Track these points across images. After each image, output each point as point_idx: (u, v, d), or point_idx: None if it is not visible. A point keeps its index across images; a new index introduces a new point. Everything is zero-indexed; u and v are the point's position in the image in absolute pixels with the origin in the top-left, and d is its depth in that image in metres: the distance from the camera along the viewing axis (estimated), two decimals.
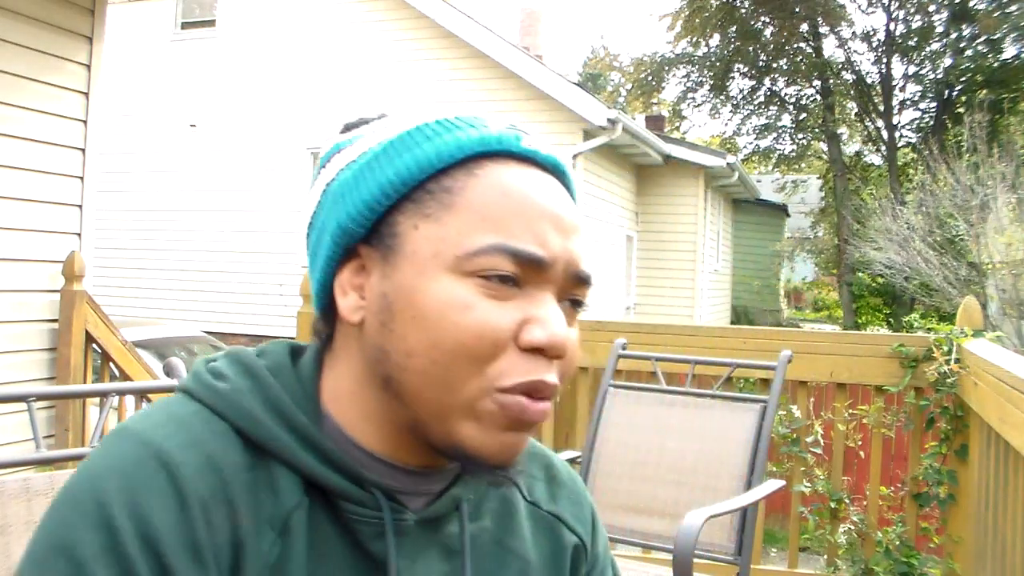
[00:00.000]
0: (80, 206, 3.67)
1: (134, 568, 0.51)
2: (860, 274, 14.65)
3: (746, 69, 19.10)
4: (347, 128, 0.70)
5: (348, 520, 0.60)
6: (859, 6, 18.26)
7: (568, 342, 0.59)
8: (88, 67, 3.68)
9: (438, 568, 0.64)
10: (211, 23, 10.66)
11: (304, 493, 0.59)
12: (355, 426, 0.62)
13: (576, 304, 0.62)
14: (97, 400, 3.64)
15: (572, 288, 0.61)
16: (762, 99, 19.54)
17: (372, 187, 0.60)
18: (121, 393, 2.43)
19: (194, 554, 0.53)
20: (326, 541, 0.60)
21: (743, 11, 18.03)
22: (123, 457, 0.55)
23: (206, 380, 0.62)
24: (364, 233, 0.60)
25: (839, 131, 18.36)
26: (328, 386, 0.64)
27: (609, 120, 8.86)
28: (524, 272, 0.58)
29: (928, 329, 3.26)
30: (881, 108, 17.56)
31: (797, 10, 17.26)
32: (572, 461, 2.58)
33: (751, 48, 18.55)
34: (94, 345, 3.59)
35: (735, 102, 19.71)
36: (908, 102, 17.99)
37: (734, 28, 18.22)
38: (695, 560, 1.83)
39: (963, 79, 16.58)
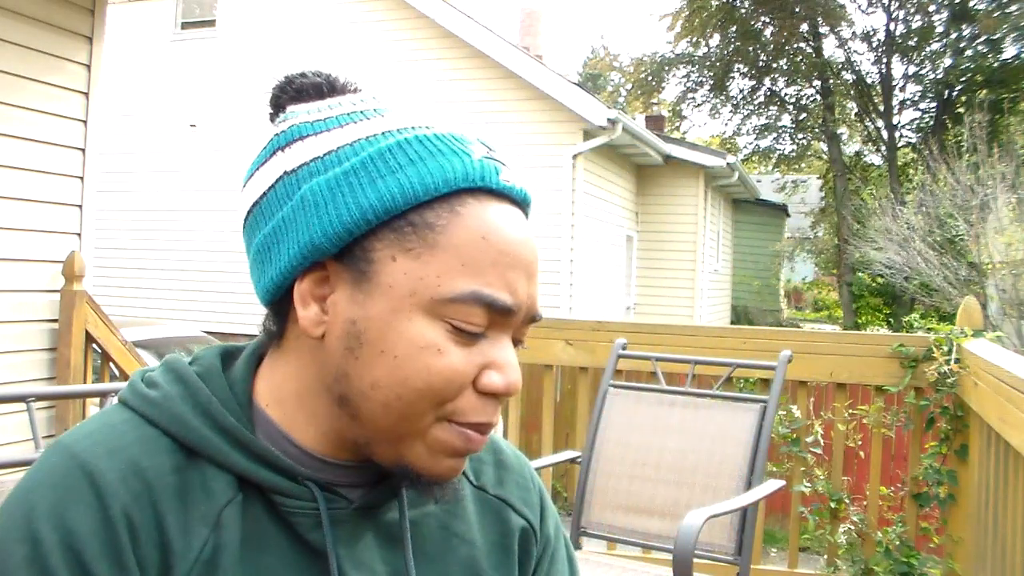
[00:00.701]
0: (80, 206, 3.67)
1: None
2: (860, 274, 14.65)
3: (746, 69, 19.10)
4: (297, 92, 0.68)
5: (284, 514, 0.61)
6: (859, 6, 18.27)
7: (519, 380, 0.61)
8: (88, 67, 3.68)
9: (381, 555, 0.65)
10: (211, 23, 10.65)
11: (237, 490, 0.60)
12: (296, 427, 0.63)
13: (519, 342, 0.64)
14: (97, 400, 3.64)
15: (524, 328, 0.63)
16: (762, 99, 19.54)
17: (352, 208, 0.58)
18: None
19: (117, 560, 0.55)
20: (264, 535, 0.61)
21: (743, 11, 18.03)
22: (51, 469, 0.57)
23: (139, 389, 0.64)
24: (335, 251, 0.60)
25: (839, 131, 18.37)
26: (269, 384, 0.65)
27: (609, 120, 8.86)
28: (491, 319, 0.59)
29: (928, 329, 3.26)
30: (881, 108, 17.57)
31: (797, 10, 17.26)
32: (572, 461, 2.59)
33: (751, 48, 18.55)
34: (94, 345, 3.59)
35: (735, 102, 19.72)
36: (908, 102, 18.00)
37: (734, 28, 18.22)
38: (695, 560, 1.83)
39: (963, 79, 16.58)
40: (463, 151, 0.61)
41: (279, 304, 0.64)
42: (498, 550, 0.72)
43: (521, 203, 0.64)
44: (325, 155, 0.61)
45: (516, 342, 0.63)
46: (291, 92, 0.69)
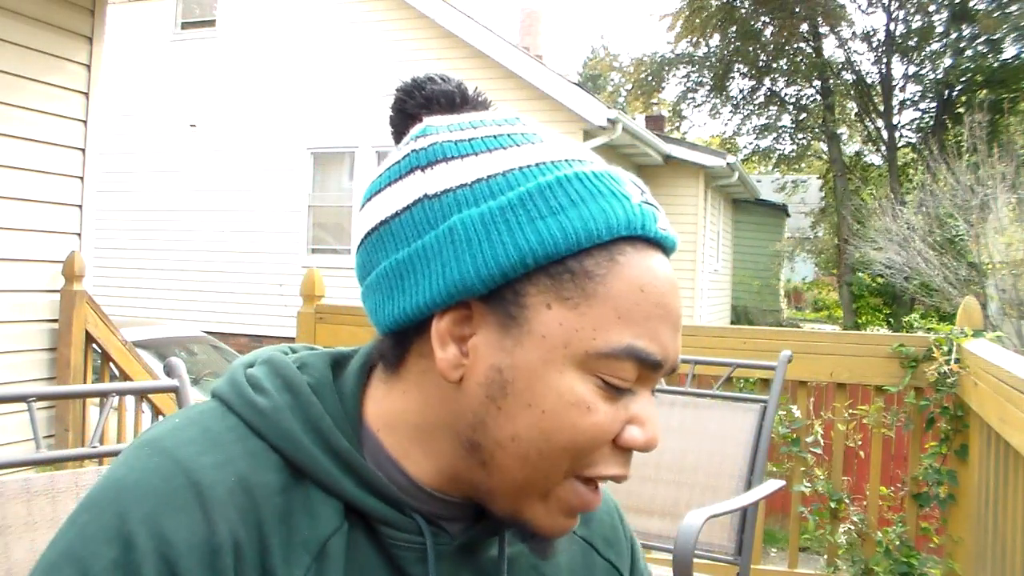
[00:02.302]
0: (80, 206, 3.67)
1: None
2: (860, 274, 14.64)
3: (746, 69, 19.10)
4: (427, 100, 0.64)
5: (388, 545, 0.59)
6: (859, 6, 18.27)
7: (659, 437, 0.60)
8: (88, 67, 3.68)
9: None
10: (211, 23, 10.65)
11: (343, 518, 0.58)
12: (410, 458, 0.60)
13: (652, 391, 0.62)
14: (97, 400, 3.64)
15: (661, 378, 0.61)
16: (762, 99, 19.54)
17: (509, 249, 0.54)
18: (121, 393, 2.43)
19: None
20: (365, 566, 0.58)
21: (743, 11, 18.03)
22: (152, 472, 0.54)
23: (245, 393, 0.60)
24: (486, 292, 0.56)
25: (839, 131, 18.36)
26: (383, 408, 0.61)
27: (609, 120, 8.86)
28: (641, 374, 0.57)
29: (928, 329, 3.26)
30: (881, 108, 17.56)
31: (797, 10, 17.25)
32: None
33: (751, 48, 18.54)
34: (94, 345, 3.59)
35: (735, 102, 19.71)
36: (908, 102, 18.00)
37: (734, 28, 18.22)
38: (695, 560, 1.83)
39: (963, 79, 16.58)
40: (623, 194, 0.58)
41: (403, 334, 0.59)
42: None
43: (670, 250, 0.61)
44: (474, 183, 0.57)
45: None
46: (419, 99, 0.65)
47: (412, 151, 0.60)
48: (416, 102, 0.65)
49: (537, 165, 0.57)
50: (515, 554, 0.66)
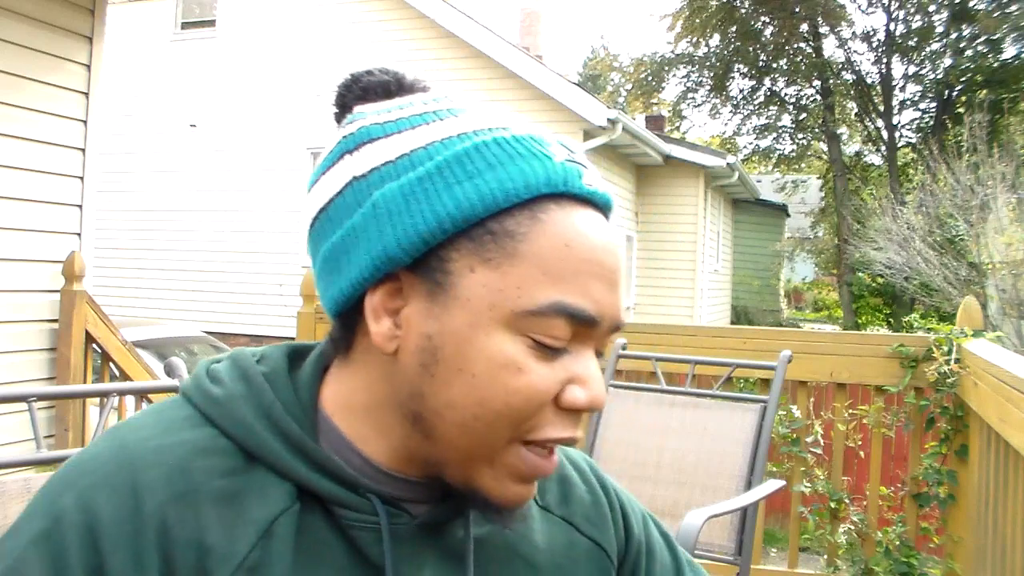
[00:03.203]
0: (80, 206, 3.67)
1: (66, 555, 0.53)
2: (860, 274, 14.65)
3: (746, 69, 19.10)
4: (364, 91, 0.66)
5: (344, 526, 0.59)
6: (859, 6, 18.29)
7: (604, 394, 0.58)
8: (88, 67, 3.68)
9: (443, 574, 0.63)
10: (211, 23, 10.65)
11: (295, 499, 0.59)
12: (364, 438, 0.61)
13: (599, 353, 0.61)
14: (97, 400, 3.64)
15: (606, 338, 0.60)
16: (762, 99, 19.55)
17: (428, 217, 0.55)
18: (121, 393, 2.43)
19: (136, 555, 0.53)
20: (321, 546, 0.59)
21: (743, 11, 18.03)
22: (99, 454, 0.57)
23: (203, 384, 0.62)
24: (410, 261, 0.57)
25: (839, 131, 18.37)
26: (336, 394, 0.63)
27: (609, 120, 8.86)
28: (575, 331, 0.56)
29: (928, 329, 3.26)
30: (881, 108, 17.57)
31: (797, 10, 17.26)
32: None
33: (751, 48, 18.55)
34: (94, 345, 3.59)
35: (735, 102, 19.72)
36: (908, 102, 18.01)
37: (734, 28, 18.22)
38: (695, 560, 1.83)
39: (963, 79, 16.59)
40: (544, 154, 0.58)
41: (347, 316, 0.61)
42: (564, 572, 0.70)
43: (604, 207, 0.60)
44: (397, 159, 0.58)
45: (597, 353, 0.60)
46: (357, 91, 0.66)
47: (342, 137, 0.62)
48: (354, 95, 0.66)
49: (458, 135, 0.58)
50: (487, 535, 0.66)
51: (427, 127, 0.59)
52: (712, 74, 19.15)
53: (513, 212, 0.56)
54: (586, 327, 0.56)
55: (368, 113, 0.62)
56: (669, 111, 20.54)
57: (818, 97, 18.78)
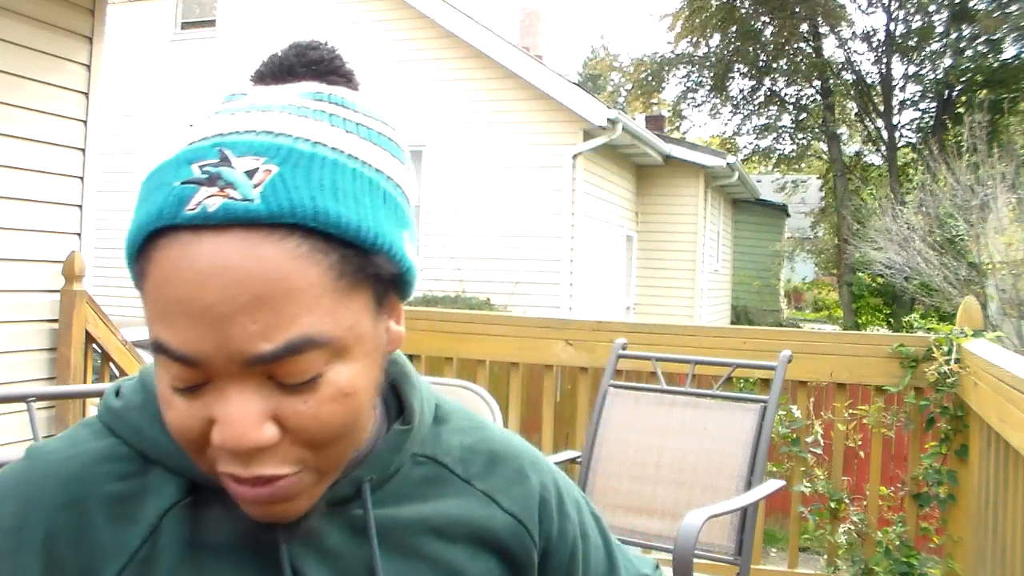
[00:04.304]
0: (80, 206, 3.67)
1: None
2: (860, 274, 14.66)
3: (746, 69, 19.11)
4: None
5: (241, 513, 0.60)
6: (859, 6, 18.28)
7: (251, 438, 0.53)
8: (88, 67, 3.68)
9: (352, 549, 0.64)
10: (211, 23, 10.66)
11: (187, 493, 0.61)
12: None
13: (286, 385, 0.54)
14: (97, 400, 3.63)
15: (271, 372, 0.53)
16: (762, 99, 19.55)
17: (126, 259, 0.58)
18: None
19: (17, 565, 0.58)
20: (217, 535, 0.61)
21: (743, 11, 18.03)
22: (11, 470, 0.62)
23: (107, 400, 0.66)
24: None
25: (839, 131, 18.38)
26: None
27: (609, 120, 8.86)
28: (199, 371, 0.53)
29: (928, 329, 3.26)
30: (881, 108, 17.57)
31: (797, 10, 17.26)
32: (572, 461, 2.59)
33: (751, 48, 18.55)
34: (94, 345, 3.59)
35: (735, 102, 19.72)
36: (908, 102, 18.01)
37: (734, 28, 18.23)
38: (695, 560, 1.83)
39: (963, 79, 16.59)
40: (164, 184, 0.53)
41: None
42: (479, 546, 0.71)
43: (236, 223, 0.51)
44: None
45: (286, 385, 0.53)
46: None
47: None
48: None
49: (156, 164, 0.57)
50: (396, 512, 0.67)
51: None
52: (712, 74, 19.15)
53: (143, 252, 0.54)
54: (187, 365, 0.53)
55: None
56: (669, 111, 20.54)
57: (818, 97, 18.78)
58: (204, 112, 0.61)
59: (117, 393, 0.67)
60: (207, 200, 0.51)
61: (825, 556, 3.15)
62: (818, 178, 20.40)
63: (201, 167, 0.53)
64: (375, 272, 0.57)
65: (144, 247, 0.54)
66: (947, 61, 16.62)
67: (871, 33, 17.95)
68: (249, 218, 0.51)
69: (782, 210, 18.17)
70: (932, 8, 16.71)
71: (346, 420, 0.56)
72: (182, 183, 0.52)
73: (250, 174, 0.52)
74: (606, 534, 0.81)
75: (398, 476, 0.69)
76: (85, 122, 3.68)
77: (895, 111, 17.59)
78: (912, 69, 17.64)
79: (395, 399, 0.71)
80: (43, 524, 0.59)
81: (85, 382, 3.55)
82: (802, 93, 19.43)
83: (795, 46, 18.38)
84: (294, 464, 0.55)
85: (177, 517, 0.61)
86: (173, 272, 0.52)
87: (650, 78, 20.27)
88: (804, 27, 17.93)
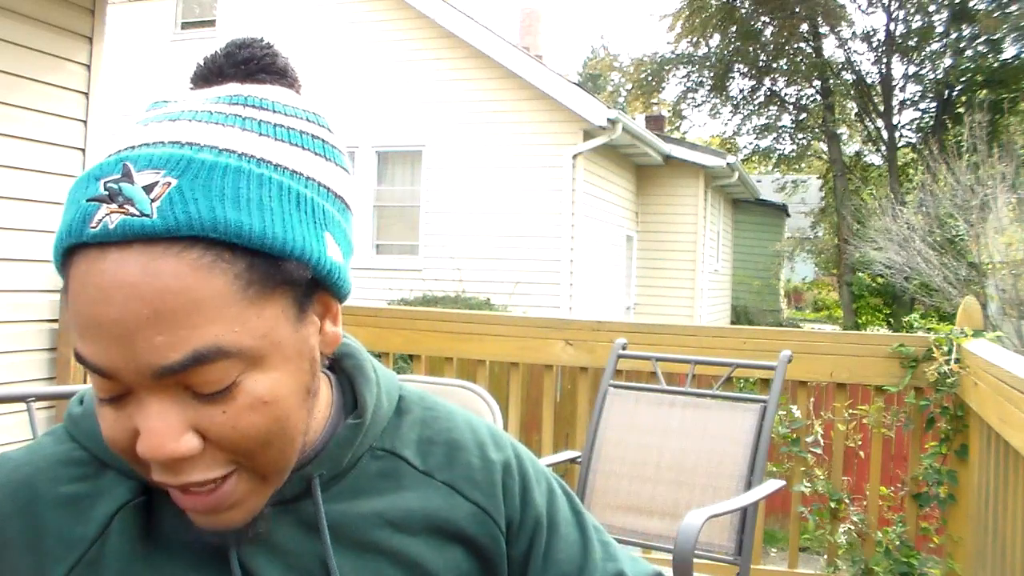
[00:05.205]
0: None
1: None
2: (860, 274, 14.65)
3: (746, 69, 19.10)
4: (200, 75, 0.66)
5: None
6: (859, 6, 18.29)
7: (170, 448, 0.53)
8: (88, 67, 3.68)
9: (305, 544, 0.64)
10: (211, 23, 10.66)
11: (137, 494, 0.62)
12: None
13: (202, 394, 0.54)
14: None
15: (184, 383, 0.54)
16: (762, 99, 19.54)
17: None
18: None
19: None
20: (168, 534, 0.62)
21: (743, 11, 18.03)
22: None
23: (70, 407, 0.68)
24: None
25: (839, 131, 18.37)
26: None
27: (609, 120, 8.86)
28: (110, 381, 0.54)
29: (928, 329, 3.25)
30: (881, 108, 17.57)
31: (797, 10, 17.26)
32: (572, 461, 2.59)
33: (751, 48, 18.55)
34: None
35: (735, 102, 19.72)
36: (908, 102, 18.01)
37: (734, 28, 18.22)
38: (695, 560, 1.83)
39: (963, 79, 16.59)
40: (76, 200, 0.54)
41: None
42: (441, 537, 0.70)
43: (136, 239, 0.52)
44: None
45: (201, 395, 0.54)
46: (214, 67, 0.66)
47: None
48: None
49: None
50: (349, 507, 0.67)
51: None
52: (712, 74, 19.15)
53: (63, 265, 0.55)
54: (105, 378, 0.54)
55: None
56: (669, 111, 20.52)
57: (818, 97, 18.78)
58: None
59: (81, 401, 0.68)
60: (107, 217, 0.52)
61: (825, 556, 3.14)
62: (818, 178, 20.39)
63: (105, 183, 0.53)
64: (288, 278, 0.56)
65: (63, 261, 0.55)
66: (947, 61, 16.62)
67: (871, 33, 17.96)
68: (146, 233, 0.52)
69: (782, 210, 18.17)
70: (932, 8, 16.71)
71: (270, 428, 0.56)
72: (87, 200, 0.53)
73: (148, 188, 0.52)
74: (586, 530, 0.78)
75: (355, 471, 0.68)
76: (85, 122, 3.68)
77: (895, 111, 17.60)
78: (912, 69, 17.64)
79: (353, 393, 0.71)
80: None
81: (85, 382, 3.54)
82: (802, 93, 19.43)
83: (795, 46, 18.37)
84: (225, 466, 0.56)
85: (128, 517, 0.61)
86: (81, 288, 0.53)
87: (650, 78, 20.26)
88: (804, 27, 17.93)
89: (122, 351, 0.52)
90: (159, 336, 0.51)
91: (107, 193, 0.53)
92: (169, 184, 0.53)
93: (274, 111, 0.59)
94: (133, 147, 0.56)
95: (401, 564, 0.67)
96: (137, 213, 0.52)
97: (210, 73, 0.63)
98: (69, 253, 0.54)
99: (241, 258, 0.54)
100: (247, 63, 0.63)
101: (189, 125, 0.56)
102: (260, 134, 0.57)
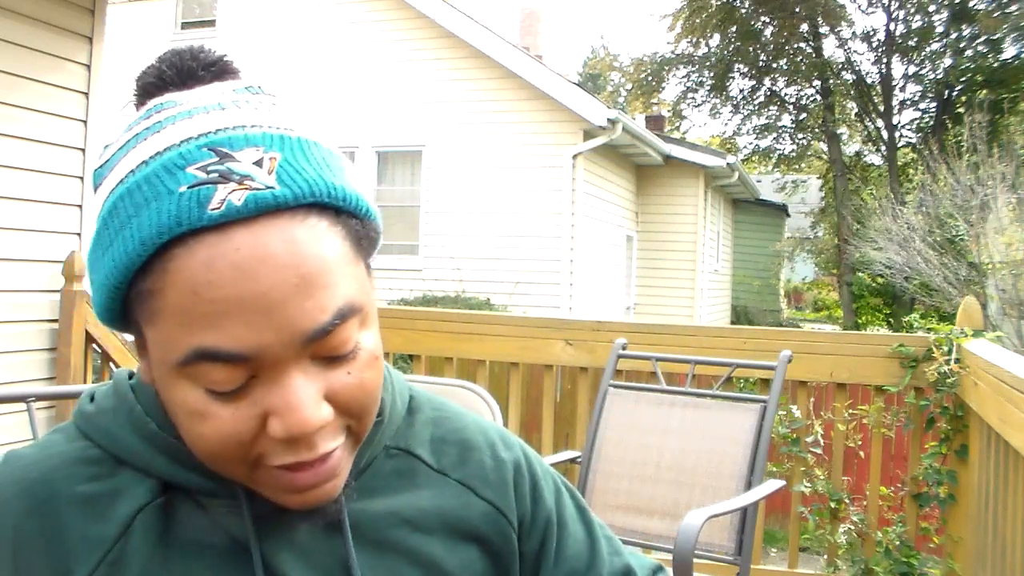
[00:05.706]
0: (80, 206, 3.67)
1: None
2: (860, 274, 14.65)
3: (746, 69, 19.10)
4: (139, 94, 0.65)
5: (215, 513, 0.62)
6: (859, 6, 18.27)
7: (319, 418, 0.54)
8: (88, 67, 3.68)
9: (325, 544, 0.64)
10: (211, 23, 10.65)
11: (158, 494, 0.62)
12: None
13: (337, 358, 0.56)
14: None
15: (320, 349, 0.55)
16: (762, 99, 19.54)
17: (100, 281, 0.56)
18: None
19: None
20: (189, 534, 0.61)
21: (743, 11, 18.03)
22: None
23: (80, 404, 0.67)
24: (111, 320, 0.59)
25: (839, 131, 18.37)
26: None
27: (609, 120, 8.86)
28: (243, 368, 0.53)
29: (928, 329, 3.26)
30: (881, 108, 17.57)
31: (797, 10, 17.26)
32: (572, 461, 2.59)
33: (751, 48, 18.55)
34: (94, 345, 3.59)
35: (735, 102, 19.71)
36: (908, 102, 18.01)
37: (734, 28, 18.22)
38: (695, 560, 1.83)
39: (963, 79, 16.59)
40: (165, 191, 0.53)
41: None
42: (456, 536, 0.70)
43: (263, 212, 0.53)
44: (102, 206, 0.58)
45: (331, 359, 0.55)
46: (135, 96, 0.66)
47: (95, 169, 0.62)
48: (134, 102, 0.67)
49: (129, 172, 0.55)
50: (368, 505, 0.67)
51: (125, 160, 0.57)
52: (712, 74, 19.14)
53: (147, 269, 0.53)
54: (240, 364, 0.53)
55: (108, 144, 0.61)
56: (669, 111, 20.52)
57: (818, 97, 18.78)
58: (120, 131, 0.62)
59: (92, 399, 0.67)
60: (231, 196, 0.52)
61: (825, 556, 3.14)
62: (818, 178, 20.39)
63: (203, 168, 0.53)
64: (364, 235, 0.60)
65: (149, 264, 0.53)
66: (947, 61, 16.62)
67: (871, 33, 17.96)
68: (277, 204, 0.53)
69: (782, 210, 18.17)
70: (932, 8, 16.71)
71: (378, 384, 0.59)
72: (191, 186, 0.52)
73: (258, 164, 0.54)
74: (591, 526, 0.80)
75: (370, 469, 0.69)
76: (85, 122, 3.68)
77: (895, 111, 17.60)
78: (912, 69, 17.64)
79: None
80: (11, 529, 0.60)
81: (85, 382, 3.55)
82: (802, 93, 19.43)
83: (795, 46, 18.37)
84: (341, 432, 0.58)
85: (149, 517, 0.61)
86: (206, 273, 0.52)
87: (650, 78, 20.25)
88: (804, 27, 17.93)
89: (272, 323, 0.52)
90: (308, 301, 0.53)
91: (216, 174, 0.53)
92: (275, 158, 0.54)
93: (273, 95, 0.62)
94: (204, 134, 0.55)
95: (418, 563, 0.67)
96: (262, 186, 0.53)
97: (180, 78, 0.64)
98: (169, 246, 0.52)
99: (343, 221, 0.57)
100: (215, 64, 0.65)
101: (241, 111, 0.57)
102: (289, 114, 0.60)
